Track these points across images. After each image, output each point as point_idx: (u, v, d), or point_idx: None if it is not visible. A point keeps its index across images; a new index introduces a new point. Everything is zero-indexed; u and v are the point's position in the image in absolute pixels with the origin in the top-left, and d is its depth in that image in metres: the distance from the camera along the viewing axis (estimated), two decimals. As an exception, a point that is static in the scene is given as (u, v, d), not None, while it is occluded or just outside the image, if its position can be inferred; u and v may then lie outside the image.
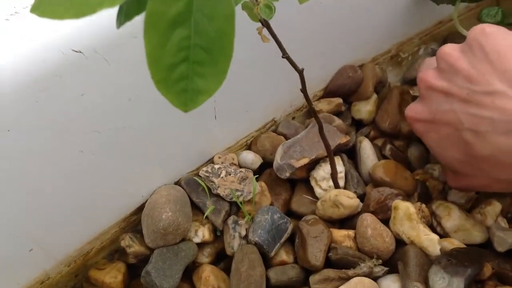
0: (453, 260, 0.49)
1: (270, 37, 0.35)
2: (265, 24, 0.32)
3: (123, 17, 0.25)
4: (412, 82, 0.71)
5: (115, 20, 0.26)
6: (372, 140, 0.65)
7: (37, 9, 0.23)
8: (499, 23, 0.63)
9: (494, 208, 0.56)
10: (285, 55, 0.37)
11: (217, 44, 0.24)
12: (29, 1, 0.40)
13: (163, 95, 0.24)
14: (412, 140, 0.66)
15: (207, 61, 0.24)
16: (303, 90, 0.41)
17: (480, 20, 0.63)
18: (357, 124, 0.66)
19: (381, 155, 0.62)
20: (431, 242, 0.51)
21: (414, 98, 0.69)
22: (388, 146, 0.62)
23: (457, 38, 0.72)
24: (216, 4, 0.23)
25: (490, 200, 0.57)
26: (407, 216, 0.52)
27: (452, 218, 0.54)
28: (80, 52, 0.40)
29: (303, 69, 0.40)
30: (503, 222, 0.57)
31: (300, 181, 0.59)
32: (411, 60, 0.71)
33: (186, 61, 0.24)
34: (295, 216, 0.58)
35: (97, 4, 0.21)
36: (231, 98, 0.56)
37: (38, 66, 0.38)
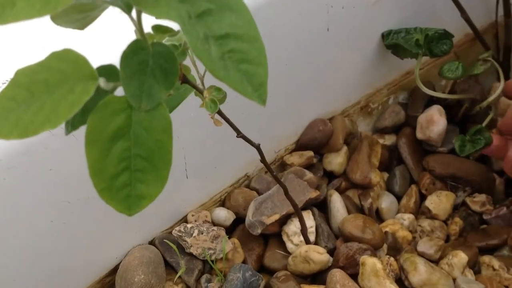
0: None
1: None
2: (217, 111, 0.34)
3: (70, 127, 0.27)
4: (383, 130, 0.73)
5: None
6: (344, 191, 0.66)
7: (-15, 130, 0.25)
8: (460, 77, 0.65)
9: (461, 260, 0.57)
10: (240, 135, 0.39)
11: (157, 153, 0.26)
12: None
13: (106, 203, 0.26)
14: (383, 191, 0.68)
15: (148, 169, 0.26)
16: (263, 161, 0.43)
17: (441, 75, 0.66)
18: (329, 175, 0.68)
19: (353, 208, 0.64)
20: (397, 297, 0.52)
21: (383, 147, 0.71)
22: (369, 201, 0.64)
23: (426, 87, 0.74)
24: (154, 118, 0.25)
25: (457, 251, 0.58)
26: (374, 272, 0.54)
27: (418, 273, 0.55)
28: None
29: (259, 144, 0.42)
30: (469, 274, 0.58)
31: (273, 236, 0.60)
32: (381, 110, 0.74)
33: (128, 170, 0.26)
34: (268, 271, 0.59)
35: (39, 126, 0.23)
36: (202, 157, 0.57)
37: (5, 148, 0.40)
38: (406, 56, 0.67)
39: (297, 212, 0.55)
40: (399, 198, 0.68)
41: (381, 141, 0.72)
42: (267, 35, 0.55)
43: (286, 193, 0.51)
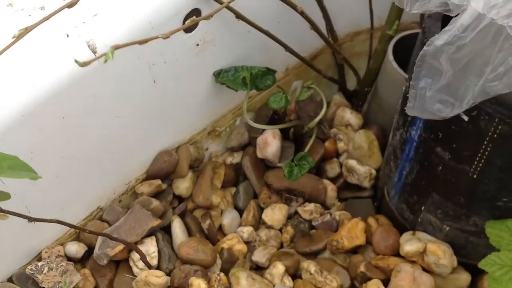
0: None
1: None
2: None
3: None
4: (232, 149, 0.83)
5: None
6: (191, 211, 0.76)
7: None
8: (284, 107, 0.75)
9: (278, 270, 0.69)
10: (31, 220, 0.47)
11: None
12: None
13: None
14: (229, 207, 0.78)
15: None
16: (72, 227, 0.52)
17: (268, 106, 0.75)
18: (179, 198, 0.77)
19: (197, 228, 0.74)
20: (218, 312, 0.64)
21: (231, 166, 0.80)
22: (208, 222, 0.74)
23: (268, 108, 0.84)
24: None
25: (276, 263, 0.70)
26: (200, 291, 0.65)
27: (240, 286, 0.66)
28: None
29: (56, 219, 0.50)
30: (288, 280, 0.70)
31: (123, 261, 0.70)
32: (229, 131, 0.83)
33: None
34: (119, 294, 0.69)
35: None
36: (46, 198, 0.64)
37: None
38: (240, 88, 0.76)
39: (131, 247, 0.65)
40: (242, 212, 0.79)
41: (230, 159, 0.81)
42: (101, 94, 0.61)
43: (111, 238, 0.60)
